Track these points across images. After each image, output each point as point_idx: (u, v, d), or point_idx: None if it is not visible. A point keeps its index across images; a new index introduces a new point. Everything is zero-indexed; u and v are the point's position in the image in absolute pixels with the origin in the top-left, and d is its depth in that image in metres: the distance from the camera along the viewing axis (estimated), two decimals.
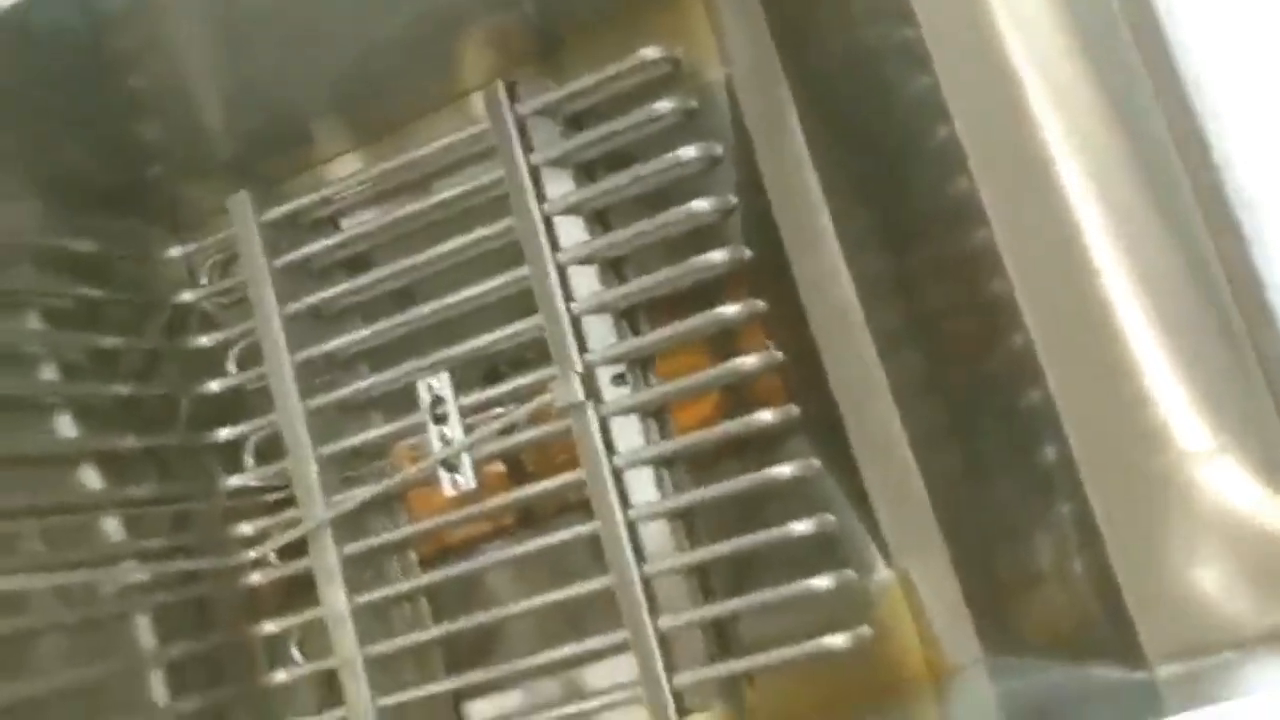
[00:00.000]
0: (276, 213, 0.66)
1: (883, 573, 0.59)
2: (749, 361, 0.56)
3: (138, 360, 0.70)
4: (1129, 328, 0.40)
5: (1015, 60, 0.42)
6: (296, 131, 0.69)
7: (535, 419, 0.61)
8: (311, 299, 0.65)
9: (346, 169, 0.71)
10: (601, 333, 0.60)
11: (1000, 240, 0.41)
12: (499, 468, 0.65)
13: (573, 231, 0.61)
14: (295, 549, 0.66)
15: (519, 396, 0.62)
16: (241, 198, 0.66)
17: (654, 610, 0.57)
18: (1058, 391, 0.41)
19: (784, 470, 0.55)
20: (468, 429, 0.62)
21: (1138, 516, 0.40)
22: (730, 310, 0.56)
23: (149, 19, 0.55)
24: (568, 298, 0.59)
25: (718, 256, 0.57)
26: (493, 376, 0.65)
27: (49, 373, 0.65)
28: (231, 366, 0.69)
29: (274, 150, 0.70)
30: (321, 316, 0.67)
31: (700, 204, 0.57)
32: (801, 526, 0.55)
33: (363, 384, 0.64)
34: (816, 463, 0.56)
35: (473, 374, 0.65)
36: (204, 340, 0.69)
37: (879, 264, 0.60)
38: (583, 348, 0.59)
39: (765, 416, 0.56)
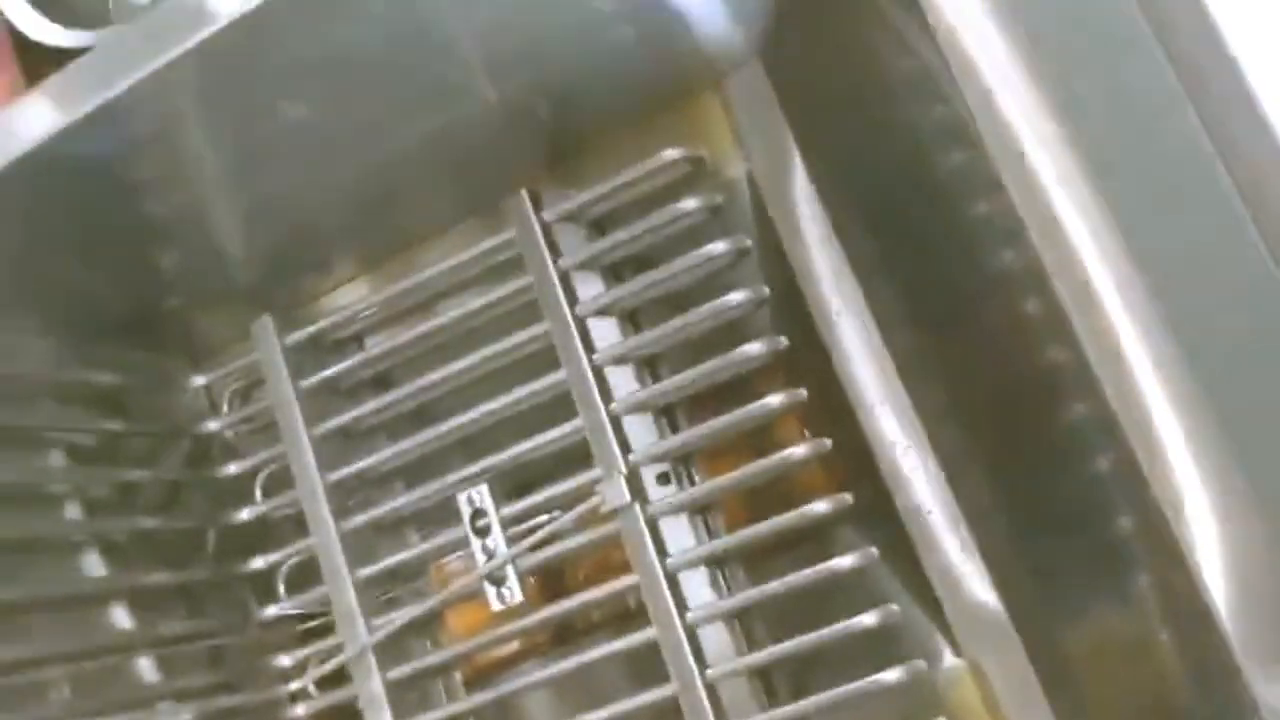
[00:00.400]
0: (301, 335, 0.65)
1: (951, 661, 0.58)
2: (799, 452, 0.55)
3: (162, 493, 0.68)
4: (1220, 391, 0.40)
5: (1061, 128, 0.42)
6: (316, 253, 0.69)
7: (578, 525, 0.59)
8: (341, 419, 0.64)
9: (367, 287, 0.71)
10: (642, 431, 0.59)
11: (1069, 306, 0.41)
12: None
13: (606, 332, 0.60)
14: (335, 677, 0.64)
15: (560, 503, 0.60)
16: (265, 323, 0.65)
17: (720, 717, 0.55)
18: (1148, 461, 0.39)
19: (844, 562, 0.54)
20: (510, 540, 0.61)
21: (1252, 584, 0.39)
22: (775, 401, 0.56)
23: (166, 146, 0.55)
24: (606, 399, 0.59)
25: (756, 349, 0.56)
26: (524, 481, 0.64)
27: (73, 511, 0.63)
28: (259, 494, 0.68)
29: (293, 273, 0.70)
30: (350, 435, 0.66)
31: (735, 297, 0.57)
32: (867, 620, 0.54)
33: (400, 501, 0.62)
34: (875, 551, 0.55)
35: (505, 480, 0.64)
36: (231, 468, 0.68)
37: (916, 341, 0.59)
38: (625, 448, 0.58)
39: (820, 507, 0.55)
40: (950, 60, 0.43)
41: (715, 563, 0.58)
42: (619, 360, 0.59)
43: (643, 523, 0.57)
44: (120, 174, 0.55)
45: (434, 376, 0.62)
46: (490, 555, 0.60)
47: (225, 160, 0.58)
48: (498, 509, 0.61)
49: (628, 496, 0.57)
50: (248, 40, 0.48)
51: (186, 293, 0.67)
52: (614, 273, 0.62)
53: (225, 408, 0.70)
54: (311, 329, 0.65)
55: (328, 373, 0.64)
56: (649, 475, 0.58)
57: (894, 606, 0.54)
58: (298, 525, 0.67)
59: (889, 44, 0.52)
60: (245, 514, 0.67)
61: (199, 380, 0.70)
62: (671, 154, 0.58)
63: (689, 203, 0.58)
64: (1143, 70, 0.42)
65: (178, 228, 0.61)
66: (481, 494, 0.61)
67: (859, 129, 0.58)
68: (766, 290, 0.58)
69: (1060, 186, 0.43)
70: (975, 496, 0.58)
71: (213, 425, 0.69)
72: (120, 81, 0.49)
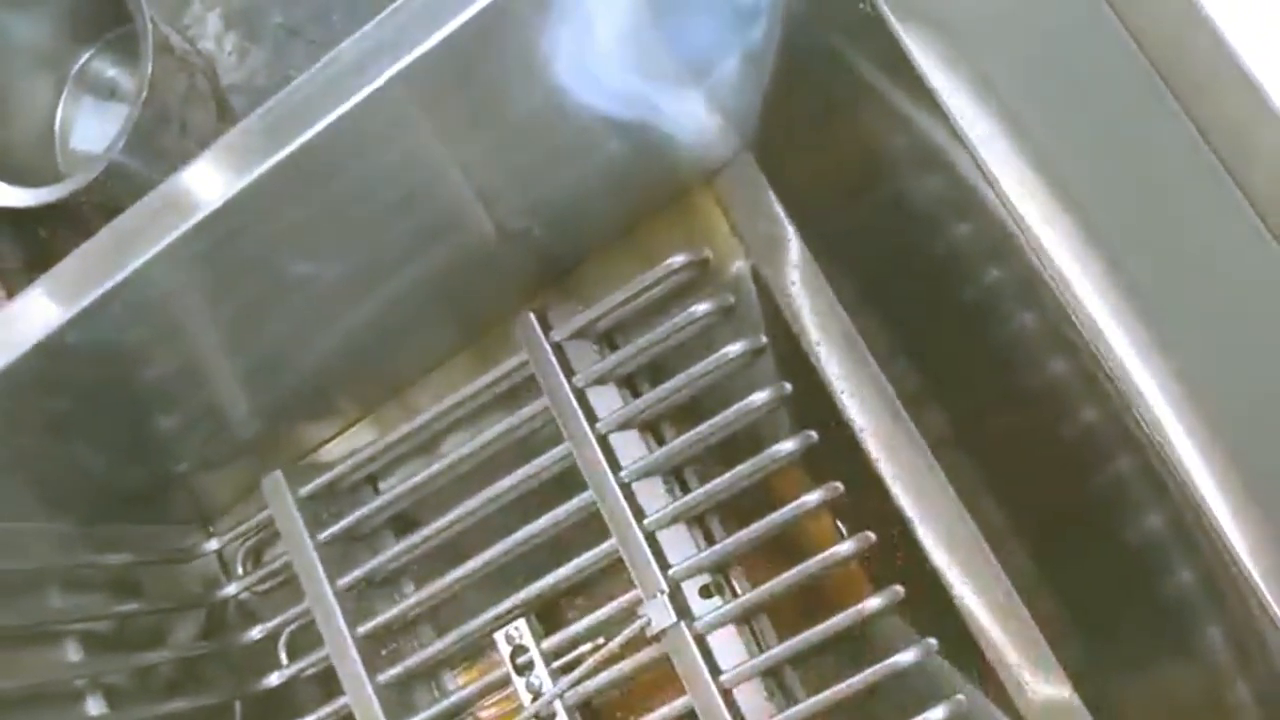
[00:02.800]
0: (314, 486, 0.64)
1: None
2: (844, 549, 0.54)
3: (184, 670, 0.65)
4: None
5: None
6: (318, 402, 0.67)
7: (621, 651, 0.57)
8: (364, 569, 0.62)
9: (372, 429, 0.69)
10: (677, 543, 0.57)
11: (1110, 364, 0.40)
12: None
13: (629, 444, 0.59)
14: None
15: (599, 629, 0.58)
16: (276, 478, 0.63)
17: None
18: (1222, 514, 0.38)
19: (905, 658, 0.52)
20: (552, 675, 0.58)
21: None
22: (813, 498, 0.54)
23: (165, 321, 0.54)
24: (639, 515, 0.57)
25: (788, 446, 0.55)
26: (549, 605, 0.62)
27: (95, 705, 0.60)
28: (284, 656, 0.65)
29: (297, 425, 0.68)
30: (373, 583, 0.64)
31: (758, 397, 0.56)
32: (935, 714, 0.52)
33: (437, 648, 0.60)
34: (934, 642, 0.53)
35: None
36: (254, 633, 0.65)
37: (944, 416, 0.58)
38: (664, 564, 0.56)
39: (874, 603, 0.53)
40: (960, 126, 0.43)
41: (769, 672, 0.56)
42: (646, 474, 0.58)
43: (691, 641, 0.55)
44: (121, 354, 0.54)
45: (459, 511, 0.60)
46: (536, 693, 0.58)
47: (223, 325, 0.56)
48: (538, 643, 0.59)
49: (674, 617, 0.55)
50: (239, 219, 0.48)
51: (190, 457, 0.65)
52: (628, 382, 0.61)
53: (239, 569, 0.68)
54: (324, 478, 0.63)
55: (346, 521, 0.62)
56: (691, 589, 0.57)
57: (961, 698, 0.52)
58: (325, 683, 0.64)
59: (882, 123, 0.51)
60: (274, 679, 0.64)
61: (210, 545, 0.68)
62: (678, 260, 0.58)
63: (701, 306, 0.57)
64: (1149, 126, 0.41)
65: (178, 395, 0.60)
66: (521, 630, 0.59)
67: (857, 209, 0.58)
68: (788, 387, 0.57)
69: (1075, 249, 0.43)
70: (1023, 568, 0.56)
71: (230, 589, 0.67)
72: (116, 272, 0.48)
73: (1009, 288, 0.52)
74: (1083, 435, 0.52)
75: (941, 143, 0.47)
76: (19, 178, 0.68)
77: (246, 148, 0.47)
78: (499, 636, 0.59)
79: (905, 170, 0.54)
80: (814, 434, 0.56)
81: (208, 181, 0.47)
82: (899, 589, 0.54)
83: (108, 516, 0.64)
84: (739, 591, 0.58)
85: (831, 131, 0.57)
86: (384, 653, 0.63)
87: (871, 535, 0.54)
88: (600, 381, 0.60)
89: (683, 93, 0.55)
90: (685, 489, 0.59)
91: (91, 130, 0.74)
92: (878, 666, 0.52)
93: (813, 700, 0.54)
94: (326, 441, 0.70)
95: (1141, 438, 0.43)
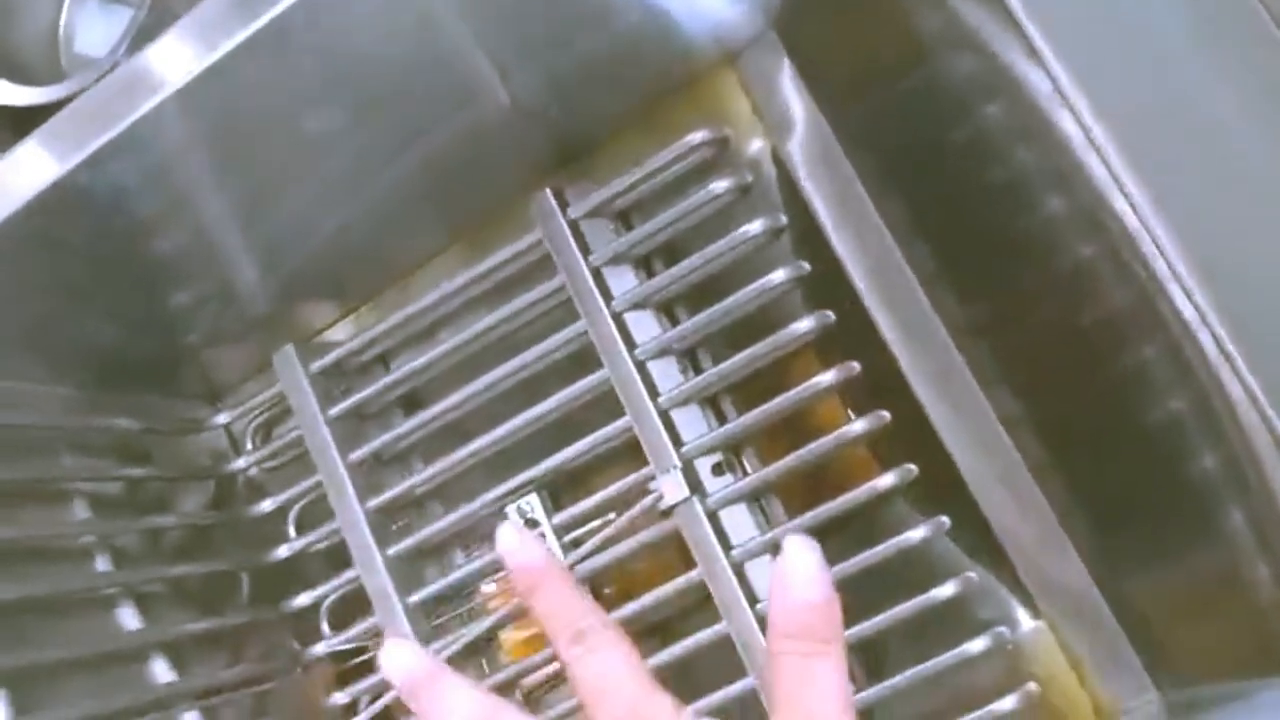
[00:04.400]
0: (326, 361, 0.63)
1: (1030, 624, 0.56)
2: (857, 427, 0.54)
3: (192, 539, 0.66)
4: None
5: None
6: (331, 279, 0.67)
7: (632, 526, 0.58)
8: (376, 444, 0.62)
9: (382, 309, 0.69)
10: (690, 423, 0.58)
11: (1156, 238, 0.40)
12: None
13: (644, 325, 0.59)
14: (387, 714, 0.62)
15: (611, 505, 0.59)
16: (288, 352, 0.63)
17: None
18: (1260, 386, 0.38)
19: (916, 534, 0.53)
20: (564, 549, 0.59)
21: None
22: (828, 378, 0.54)
23: (169, 185, 0.53)
24: (654, 394, 0.57)
25: (806, 325, 0.55)
26: (561, 488, 0.63)
27: (103, 563, 0.61)
28: (292, 530, 0.66)
29: (308, 302, 0.68)
30: (383, 460, 0.64)
31: (778, 275, 0.56)
32: (945, 590, 0.52)
33: (449, 520, 0.60)
34: (946, 520, 0.54)
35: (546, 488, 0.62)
36: (266, 505, 0.65)
37: (962, 302, 0.58)
38: (677, 442, 0.56)
39: (888, 480, 0.53)
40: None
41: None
42: (661, 353, 0.58)
43: (704, 516, 0.55)
44: (123, 215, 0.53)
45: (470, 389, 0.60)
46: None
47: (232, 192, 0.56)
48: (549, 518, 0.59)
49: (686, 491, 0.55)
50: (250, 68, 0.47)
51: (200, 330, 0.65)
52: (644, 263, 0.61)
53: (248, 445, 0.68)
54: (336, 354, 0.63)
55: (359, 396, 0.62)
56: (703, 467, 0.57)
57: (972, 575, 0.53)
58: (332, 558, 0.65)
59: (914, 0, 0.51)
60: (283, 551, 0.65)
61: (220, 419, 0.68)
62: (698, 136, 0.57)
63: (720, 184, 0.57)
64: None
65: (186, 265, 0.59)
66: (533, 504, 0.59)
67: (883, 91, 0.57)
68: (807, 266, 0.56)
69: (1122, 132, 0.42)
70: (1038, 454, 0.57)
71: (239, 463, 0.67)
72: (111, 127, 0.48)
73: (1040, 172, 0.51)
74: (1105, 322, 0.52)
75: (978, 19, 0.47)
76: (22, 78, 0.67)
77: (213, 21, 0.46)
78: (510, 510, 0.59)
79: (938, 49, 0.54)
80: (831, 314, 0.55)
81: (200, 40, 0.46)
82: (912, 467, 0.54)
83: (116, 384, 0.64)
84: (751, 471, 0.58)
85: (861, 9, 0.56)
86: (394, 528, 0.63)
87: (886, 414, 0.54)
88: (616, 261, 0.59)
89: None
90: (699, 371, 0.59)
91: (96, 33, 0.74)
92: (888, 543, 0.53)
93: None
94: (330, 325, 0.70)
95: (1170, 320, 0.43)
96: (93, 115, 0.49)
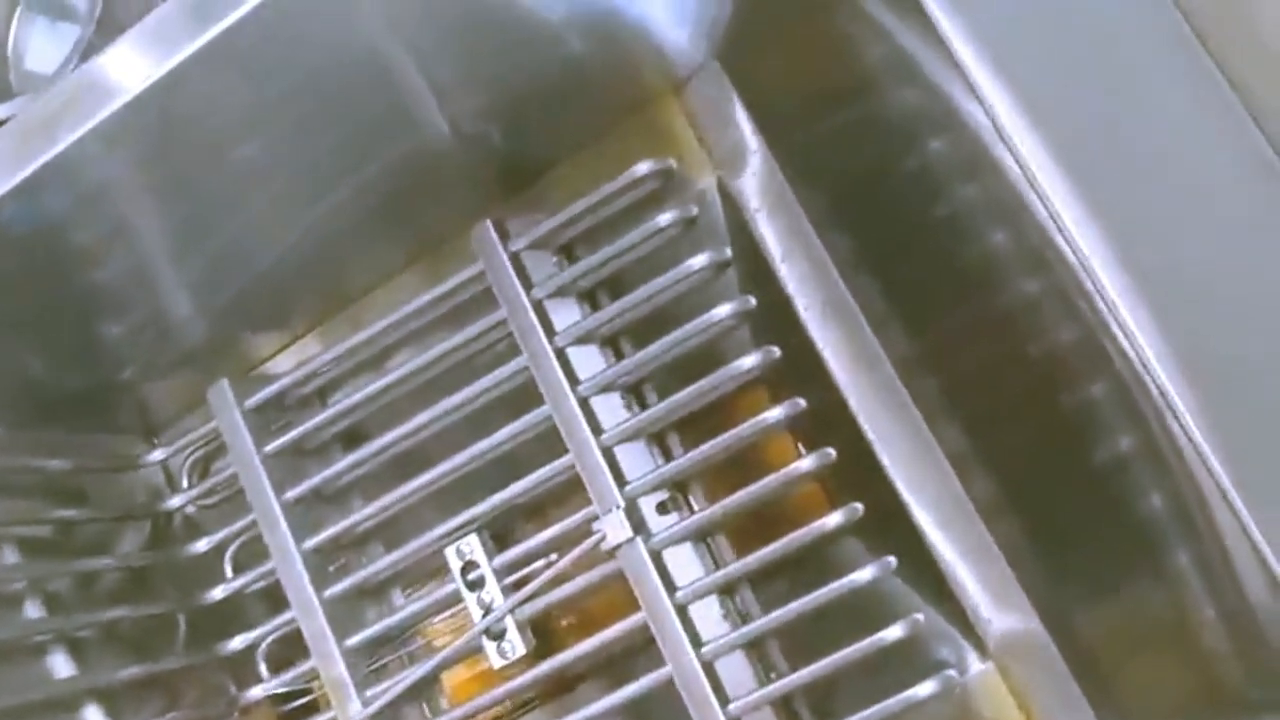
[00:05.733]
0: (261, 397, 0.62)
1: (978, 666, 0.55)
2: (805, 464, 0.53)
3: (126, 581, 0.64)
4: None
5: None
6: (266, 311, 0.65)
7: (575, 568, 0.56)
8: (312, 481, 0.60)
9: (320, 342, 0.67)
10: (635, 460, 0.56)
11: (1103, 280, 0.39)
12: None
13: (587, 359, 0.58)
14: None
15: (553, 545, 0.57)
16: (222, 387, 0.61)
17: None
18: (1203, 431, 0.37)
19: (863, 575, 0.52)
20: (504, 591, 0.57)
21: None
22: (775, 414, 0.53)
23: (100, 213, 0.51)
24: (596, 430, 0.56)
25: (751, 361, 0.54)
26: (506, 526, 0.61)
27: (33, 609, 0.59)
28: (229, 570, 0.64)
29: (243, 335, 0.66)
30: (321, 497, 0.63)
31: (722, 310, 0.54)
32: (893, 633, 0.51)
33: (386, 562, 0.59)
34: (893, 561, 0.52)
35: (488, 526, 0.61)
36: (201, 545, 0.63)
37: (907, 336, 0.58)
38: (620, 480, 0.55)
39: (834, 519, 0.52)
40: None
41: (725, 590, 0.55)
42: (605, 389, 0.57)
43: (647, 557, 0.54)
44: (54, 244, 0.52)
45: (411, 425, 0.59)
46: (486, 609, 0.57)
47: (169, 218, 0.54)
48: (489, 559, 0.58)
49: (629, 532, 0.54)
50: (165, 104, 0.46)
51: (136, 363, 0.63)
52: (589, 297, 0.59)
53: (184, 482, 0.66)
54: (271, 388, 0.62)
55: (294, 433, 0.61)
56: (649, 506, 0.56)
57: (919, 616, 0.52)
58: (271, 599, 0.63)
59: (859, 32, 0.50)
60: (218, 593, 0.63)
61: (155, 455, 0.66)
62: (643, 168, 0.56)
63: (665, 217, 0.56)
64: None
65: (120, 296, 0.58)
66: (472, 545, 0.58)
67: (828, 122, 0.57)
68: (753, 300, 0.55)
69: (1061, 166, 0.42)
70: (986, 492, 0.56)
71: (175, 501, 0.65)
72: (41, 154, 0.46)
73: (984, 206, 0.51)
74: (1052, 358, 0.52)
75: (921, 54, 0.46)
76: None
77: (169, 30, 0.45)
78: (449, 552, 0.58)
79: (882, 82, 0.53)
80: (776, 349, 0.54)
81: (129, 66, 0.45)
82: (858, 506, 0.53)
83: (48, 421, 0.62)
84: (698, 509, 0.57)
85: (805, 41, 0.55)
86: (332, 569, 0.61)
87: (832, 452, 0.53)
88: (560, 294, 0.58)
89: None
90: (645, 407, 0.58)
91: (46, 51, 0.73)
92: (836, 584, 0.52)
93: (768, 618, 0.53)
94: (273, 355, 0.68)
95: (1115, 358, 0.43)
96: (20, 145, 0.47)
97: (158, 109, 0.46)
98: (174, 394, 0.67)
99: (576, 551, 0.55)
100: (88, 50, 0.63)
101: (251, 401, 0.62)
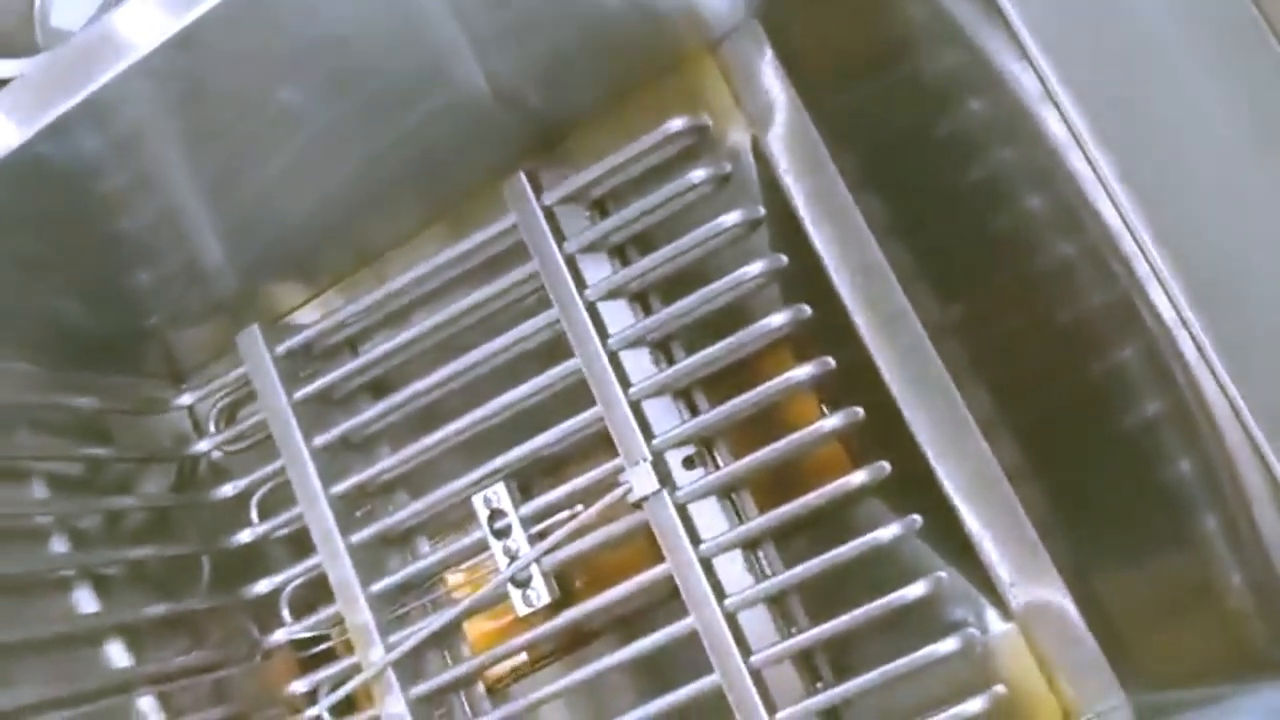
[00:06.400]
0: (292, 343, 0.62)
1: (1000, 626, 0.56)
2: (831, 422, 0.53)
3: (152, 521, 0.64)
4: None
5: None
6: (298, 260, 0.66)
7: (600, 518, 0.57)
8: (342, 428, 0.61)
9: (349, 293, 0.68)
10: (662, 415, 0.57)
11: (1138, 237, 0.39)
12: None
13: (617, 314, 0.58)
14: (348, 703, 0.61)
15: (580, 497, 0.58)
16: (252, 333, 0.62)
17: (769, 704, 0.53)
18: (1239, 388, 0.38)
19: (887, 532, 0.52)
20: (531, 540, 0.58)
21: None
22: (802, 372, 0.54)
23: (130, 158, 0.52)
24: (625, 384, 0.56)
25: (780, 319, 0.54)
26: (530, 480, 0.62)
27: (60, 544, 0.60)
28: (255, 515, 0.65)
29: (274, 283, 0.67)
30: (349, 446, 0.63)
31: (754, 267, 0.55)
32: (915, 590, 0.52)
33: (414, 508, 0.59)
34: (918, 519, 0.53)
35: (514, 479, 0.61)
36: (227, 489, 0.64)
37: (940, 300, 0.58)
38: (648, 434, 0.56)
39: (859, 477, 0.53)
40: None
41: (749, 545, 0.56)
42: (634, 343, 0.57)
43: (673, 510, 0.54)
44: (85, 188, 0.52)
45: (440, 375, 0.59)
46: (512, 557, 0.58)
47: (199, 167, 0.54)
48: (516, 508, 0.58)
49: (656, 484, 0.54)
50: (218, 38, 0.46)
51: (165, 309, 0.63)
52: (619, 253, 0.60)
53: (212, 427, 0.67)
54: (302, 336, 0.62)
55: (325, 380, 0.61)
56: (674, 460, 0.56)
57: (942, 574, 0.52)
58: (295, 545, 0.63)
59: None
60: (245, 536, 0.64)
61: (183, 400, 0.66)
62: (677, 124, 0.56)
63: (698, 173, 0.56)
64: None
65: (150, 242, 0.58)
66: (499, 494, 0.58)
67: (866, 84, 0.57)
68: (784, 259, 0.55)
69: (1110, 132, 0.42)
70: (1012, 457, 0.56)
71: (202, 445, 0.65)
72: (75, 93, 0.47)
73: (1021, 171, 0.51)
74: (1084, 323, 0.52)
75: (964, 13, 0.46)
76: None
77: None
78: (476, 500, 0.58)
79: (922, 43, 0.53)
80: (807, 308, 0.55)
81: (166, 8, 0.45)
82: (885, 465, 0.53)
83: (77, 363, 0.62)
84: (723, 465, 0.57)
85: (846, 0, 0.55)
86: (358, 514, 0.62)
87: (859, 411, 0.54)
88: (591, 249, 0.58)
89: None
90: (673, 363, 0.58)
91: (73, 7, 0.72)
92: (860, 540, 0.52)
93: (792, 572, 0.53)
94: (297, 308, 0.69)
95: (1149, 320, 0.43)
96: (54, 83, 0.47)
97: (181, 59, 0.46)
98: (202, 340, 0.68)
99: (604, 501, 0.55)
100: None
101: (283, 347, 0.62)
